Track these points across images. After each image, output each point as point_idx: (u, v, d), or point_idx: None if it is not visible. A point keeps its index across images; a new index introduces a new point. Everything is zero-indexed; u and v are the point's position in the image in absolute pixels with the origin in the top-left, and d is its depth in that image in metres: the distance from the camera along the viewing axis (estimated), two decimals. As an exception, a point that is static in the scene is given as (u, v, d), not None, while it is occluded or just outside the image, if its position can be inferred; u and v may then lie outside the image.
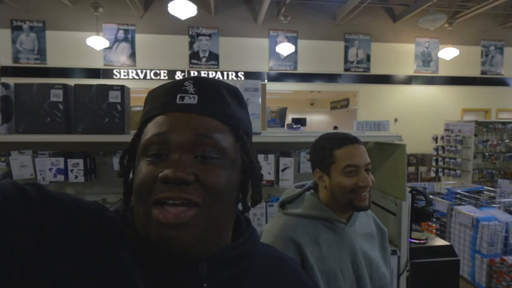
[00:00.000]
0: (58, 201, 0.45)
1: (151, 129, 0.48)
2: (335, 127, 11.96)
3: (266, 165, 1.79)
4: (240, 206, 0.58)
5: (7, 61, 7.50)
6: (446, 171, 6.67)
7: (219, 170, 0.47)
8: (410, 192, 1.86)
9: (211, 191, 0.46)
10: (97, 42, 6.75)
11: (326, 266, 1.03)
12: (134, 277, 0.45)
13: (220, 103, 0.51)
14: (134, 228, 0.49)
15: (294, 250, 1.02)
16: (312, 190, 1.18)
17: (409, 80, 8.82)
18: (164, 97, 0.50)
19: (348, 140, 1.09)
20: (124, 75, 7.87)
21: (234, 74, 8.19)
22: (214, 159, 0.47)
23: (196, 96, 0.49)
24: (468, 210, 3.15)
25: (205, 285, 0.48)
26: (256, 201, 0.55)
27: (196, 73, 8.05)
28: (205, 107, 0.49)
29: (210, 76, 8.08)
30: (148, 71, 7.94)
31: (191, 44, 8.08)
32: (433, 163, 7.09)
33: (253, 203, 0.56)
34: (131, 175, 0.53)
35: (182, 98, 0.49)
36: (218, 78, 8.10)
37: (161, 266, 0.48)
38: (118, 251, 0.47)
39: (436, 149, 6.98)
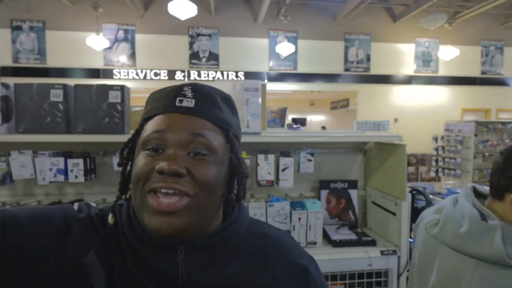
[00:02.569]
0: (18, 223, 0.50)
1: (151, 126, 0.54)
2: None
3: (266, 165, 1.79)
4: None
5: (7, 61, 7.50)
6: (446, 171, 6.66)
7: (209, 165, 0.53)
8: (410, 192, 1.86)
9: (201, 184, 0.51)
10: (97, 42, 6.74)
11: None
12: (93, 278, 0.51)
13: (213, 107, 0.56)
14: (125, 216, 0.57)
15: None
16: (500, 221, 0.91)
17: (409, 80, 8.82)
18: (165, 99, 0.56)
19: None
20: (124, 75, 7.86)
21: (234, 74, 8.18)
22: (205, 155, 0.53)
23: (194, 100, 0.55)
24: (468, 210, 3.14)
25: (182, 270, 0.53)
26: (240, 197, 0.60)
27: (196, 73, 8.05)
28: (200, 110, 0.55)
29: (210, 76, 8.08)
30: (148, 71, 7.94)
31: (191, 44, 8.08)
32: (433, 163, 7.08)
33: (237, 199, 0.61)
34: (128, 168, 0.60)
35: (181, 101, 0.54)
36: (218, 78, 8.11)
37: (143, 252, 0.54)
38: (83, 257, 0.52)
39: (436, 149, 6.97)
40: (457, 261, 0.93)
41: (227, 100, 0.61)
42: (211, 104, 0.56)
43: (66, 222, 0.53)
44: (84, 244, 0.53)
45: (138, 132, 0.57)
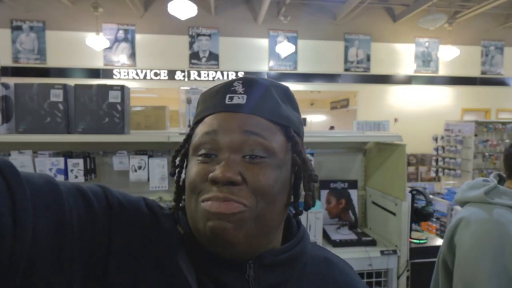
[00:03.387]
0: (123, 206, 0.47)
1: (201, 130, 0.49)
2: (332, 127, 11.97)
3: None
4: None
5: (7, 61, 7.50)
6: (446, 171, 6.66)
7: (267, 169, 0.46)
8: (410, 192, 1.86)
9: (258, 191, 0.45)
10: (97, 42, 6.75)
11: None
12: (190, 283, 0.45)
13: (269, 102, 0.50)
14: (186, 226, 0.51)
15: None
16: (497, 184, 1.17)
17: (409, 80, 8.82)
18: (214, 98, 0.51)
19: None
20: (124, 75, 7.86)
21: (234, 74, 8.18)
22: (263, 158, 0.46)
23: (245, 96, 0.49)
24: (468, 210, 3.13)
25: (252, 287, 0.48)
26: (309, 205, 0.53)
27: (196, 73, 8.06)
28: (254, 106, 0.48)
29: (210, 76, 8.08)
30: (148, 71, 7.94)
31: (191, 44, 8.08)
32: (433, 163, 7.09)
33: (306, 207, 0.53)
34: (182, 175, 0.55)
35: (231, 98, 0.49)
36: (218, 78, 8.11)
37: (209, 268, 0.48)
38: (176, 255, 0.47)
39: (436, 149, 6.98)
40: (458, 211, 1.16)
41: (285, 93, 0.54)
42: (266, 99, 0.50)
43: (150, 213, 0.50)
44: (174, 240, 0.49)
45: (189, 136, 0.53)
